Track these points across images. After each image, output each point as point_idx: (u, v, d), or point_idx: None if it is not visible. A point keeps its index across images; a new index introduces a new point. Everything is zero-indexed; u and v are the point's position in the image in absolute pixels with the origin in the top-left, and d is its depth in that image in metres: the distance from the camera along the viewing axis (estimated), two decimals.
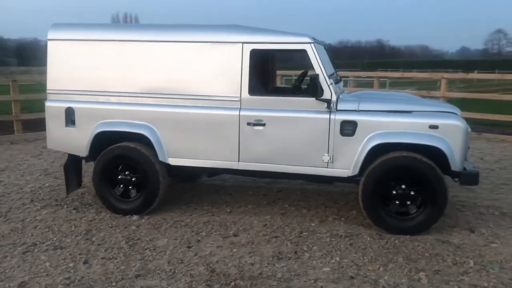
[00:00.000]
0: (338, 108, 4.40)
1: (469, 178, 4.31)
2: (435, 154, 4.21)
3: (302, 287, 3.39)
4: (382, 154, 4.32)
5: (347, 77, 15.84)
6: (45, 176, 6.52)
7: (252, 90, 4.54)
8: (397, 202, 4.33)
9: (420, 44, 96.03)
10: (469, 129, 4.32)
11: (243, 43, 4.50)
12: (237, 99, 4.53)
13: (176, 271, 3.62)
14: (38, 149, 8.40)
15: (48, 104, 4.99)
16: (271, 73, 5.77)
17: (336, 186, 5.66)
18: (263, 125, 4.48)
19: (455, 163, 4.19)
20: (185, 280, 3.47)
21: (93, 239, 4.25)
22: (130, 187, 4.86)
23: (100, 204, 4.99)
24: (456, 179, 4.40)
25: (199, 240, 4.22)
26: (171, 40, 4.66)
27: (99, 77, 4.80)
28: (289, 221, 4.69)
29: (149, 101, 4.71)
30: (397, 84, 20.49)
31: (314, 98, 4.36)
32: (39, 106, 6.73)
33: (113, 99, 4.79)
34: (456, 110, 4.56)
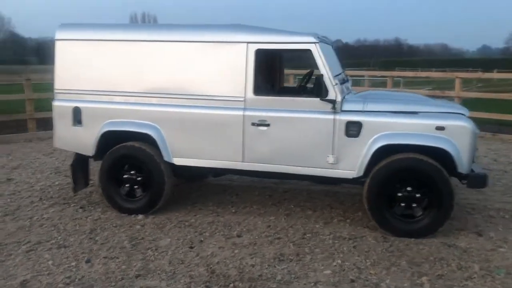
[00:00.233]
0: (343, 108, 4.35)
1: (476, 180, 4.22)
2: (442, 156, 4.14)
3: None
4: (387, 156, 4.25)
5: (363, 76, 15.72)
6: (55, 175, 6.60)
7: (257, 90, 4.51)
8: (402, 204, 4.27)
9: (439, 42, 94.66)
10: (477, 131, 4.23)
11: (248, 43, 4.48)
12: (242, 99, 4.51)
13: (176, 272, 3.62)
14: (51, 147, 8.47)
15: (55, 103, 5.04)
16: (278, 73, 5.73)
17: (343, 187, 5.59)
18: (267, 125, 4.45)
19: (462, 165, 4.11)
20: (184, 281, 3.47)
21: (97, 238, 4.28)
22: (135, 187, 4.88)
23: (107, 203, 5.02)
24: (464, 182, 4.31)
25: (201, 241, 4.21)
26: (176, 40, 4.66)
27: (105, 77, 4.83)
28: (293, 222, 4.66)
29: (154, 101, 4.72)
30: (413, 83, 20.23)
31: (318, 99, 4.32)
32: None
33: (119, 99, 4.81)
34: (465, 111, 4.46)
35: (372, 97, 4.68)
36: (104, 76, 4.84)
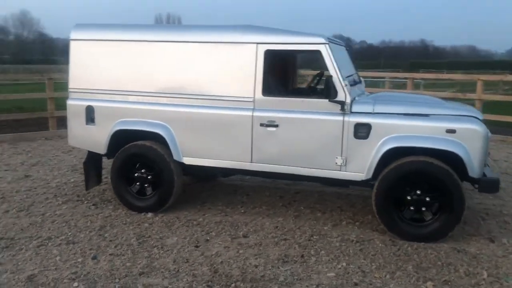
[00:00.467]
0: (353, 110, 4.31)
1: (488, 185, 4.12)
2: (452, 159, 4.05)
3: None
4: (396, 158, 4.19)
5: (383, 78, 15.54)
6: (71, 172, 6.73)
7: (266, 91, 4.50)
8: (411, 208, 4.20)
9: (467, 44, 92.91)
10: (489, 134, 4.13)
11: (257, 43, 4.48)
12: (251, 99, 4.51)
13: (180, 270, 3.64)
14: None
15: (69, 102, 5.13)
16: (289, 73, 5.71)
17: (355, 190, 5.54)
18: (276, 126, 4.44)
19: (473, 169, 4.02)
20: (187, 280, 3.49)
21: (106, 235, 4.34)
22: (146, 185, 4.93)
23: (118, 201, 5.09)
24: (477, 186, 4.22)
25: (207, 240, 4.23)
26: (186, 40, 4.69)
27: (118, 76, 4.90)
28: (301, 224, 4.63)
29: (165, 100, 4.76)
30: (435, 85, 19.88)
31: (327, 100, 4.29)
32: None
33: (131, 98, 4.87)
34: (478, 114, 4.36)
35: (382, 99, 4.62)
36: (116, 75, 4.91)
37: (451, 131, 4.03)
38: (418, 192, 4.16)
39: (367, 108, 4.31)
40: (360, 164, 4.29)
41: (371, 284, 3.44)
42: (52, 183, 6.15)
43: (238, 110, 4.55)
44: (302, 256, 3.90)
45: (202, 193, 5.68)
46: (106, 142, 4.97)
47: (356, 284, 3.44)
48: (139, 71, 4.83)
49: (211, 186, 5.97)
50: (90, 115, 5.01)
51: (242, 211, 5.04)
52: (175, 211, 4.96)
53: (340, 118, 4.30)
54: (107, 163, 5.58)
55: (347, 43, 5.17)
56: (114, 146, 4.96)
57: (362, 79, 5.41)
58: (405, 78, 12.08)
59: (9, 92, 14.94)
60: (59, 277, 3.52)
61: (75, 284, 3.42)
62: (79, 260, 3.82)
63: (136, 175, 4.93)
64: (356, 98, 4.43)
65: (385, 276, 3.57)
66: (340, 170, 4.37)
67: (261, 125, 4.48)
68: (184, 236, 4.31)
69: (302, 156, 4.44)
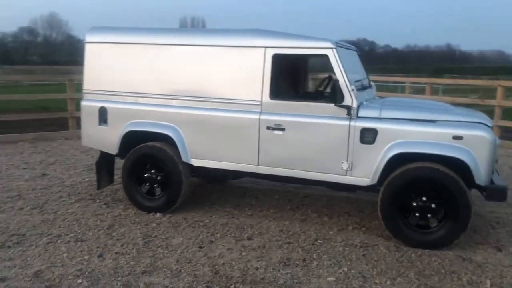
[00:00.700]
0: (359, 115, 4.30)
1: (495, 192, 4.06)
2: (459, 166, 4.01)
3: None
4: (403, 164, 4.17)
5: (403, 82, 15.37)
6: (87, 171, 6.88)
7: (274, 94, 4.54)
8: (417, 215, 4.17)
9: (495, 49, 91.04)
10: (498, 141, 4.08)
11: (265, 47, 4.52)
12: (258, 103, 4.55)
13: (182, 270, 3.70)
14: None
15: (83, 103, 5.27)
16: (298, 77, 5.73)
17: (365, 195, 5.51)
18: (283, 129, 4.47)
19: (480, 176, 3.97)
20: (188, 280, 3.54)
21: (114, 234, 4.44)
22: (155, 186, 5.02)
23: (129, 201, 5.19)
24: (484, 193, 4.16)
25: (212, 241, 4.28)
26: (196, 44, 4.77)
27: (130, 78, 5.01)
28: (307, 228, 4.64)
29: (175, 103, 4.85)
30: (457, 91, 19.56)
31: (333, 104, 4.29)
32: None
33: (142, 100, 4.97)
34: (487, 121, 4.30)
35: (390, 104, 4.60)
36: (129, 77, 5.01)
37: (458, 138, 3.99)
38: (424, 198, 4.13)
39: (374, 113, 4.30)
40: (365, 169, 4.29)
41: None
42: (67, 182, 6.30)
43: (246, 113, 4.59)
44: (304, 259, 3.91)
45: (212, 194, 5.74)
46: (117, 143, 5.08)
47: None
48: (150, 74, 4.93)
49: (221, 188, 6.03)
50: (103, 116, 5.13)
51: (249, 213, 5.07)
52: (183, 212, 5.02)
53: (346, 122, 4.30)
54: (120, 163, 5.69)
55: (359, 47, 5.16)
56: (126, 146, 5.07)
57: (372, 83, 5.39)
58: (425, 83, 11.93)
59: (35, 92, 15.35)
60: (64, 273, 3.61)
61: (79, 280, 3.51)
62: (85, 257, 3.91)
63: (146, 175, 5.02)
64: (364, 103, 4.42)
65: (386, 282, 3.55)
66: (345, 175, 4.37)
67: (268, 128, 4.51)
68: (189, 237, 4.37)
69: (308, 160, 4.46)
